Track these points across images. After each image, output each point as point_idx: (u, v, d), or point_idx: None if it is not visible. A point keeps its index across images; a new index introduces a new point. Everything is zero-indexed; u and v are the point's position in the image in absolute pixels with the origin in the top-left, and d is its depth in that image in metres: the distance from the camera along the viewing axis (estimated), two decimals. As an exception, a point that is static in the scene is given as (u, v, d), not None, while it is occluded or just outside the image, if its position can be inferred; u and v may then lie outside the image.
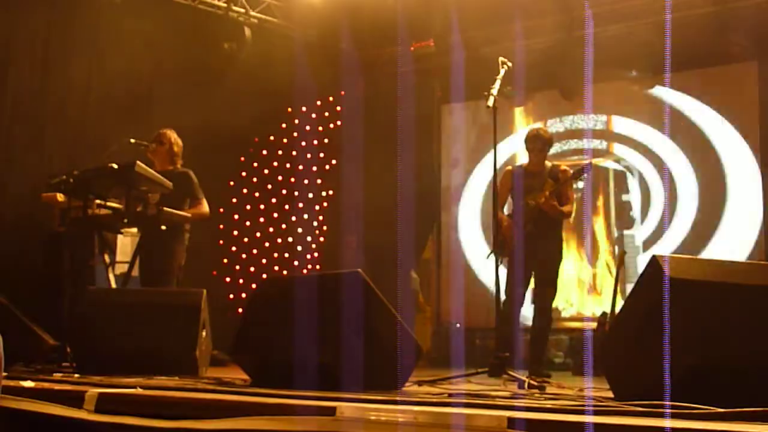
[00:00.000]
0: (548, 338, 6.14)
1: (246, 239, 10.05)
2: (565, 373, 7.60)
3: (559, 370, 7.77)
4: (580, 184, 8.88)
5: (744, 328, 2.99)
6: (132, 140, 5.76)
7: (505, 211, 6.20)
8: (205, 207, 5.96)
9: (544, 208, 5.82)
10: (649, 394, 2.79)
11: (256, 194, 10.14)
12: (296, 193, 10.31)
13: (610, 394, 3.42)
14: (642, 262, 8.84)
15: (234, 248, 9.95)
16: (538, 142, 6.05)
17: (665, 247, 8.87)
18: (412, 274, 9.89)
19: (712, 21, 8.31)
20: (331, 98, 10.54)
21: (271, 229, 10.22)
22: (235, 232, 9.97)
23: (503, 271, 5.54)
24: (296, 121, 10.26)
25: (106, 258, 5.55)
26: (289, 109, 10.26)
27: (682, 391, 2.74)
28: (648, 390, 2.84)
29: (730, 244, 8.57)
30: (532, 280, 5.93)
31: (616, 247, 9.19)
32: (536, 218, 5.84)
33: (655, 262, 3.15)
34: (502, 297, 5.38)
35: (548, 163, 6.17)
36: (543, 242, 5.85)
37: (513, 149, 9.56)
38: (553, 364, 7.90)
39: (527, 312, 6.07)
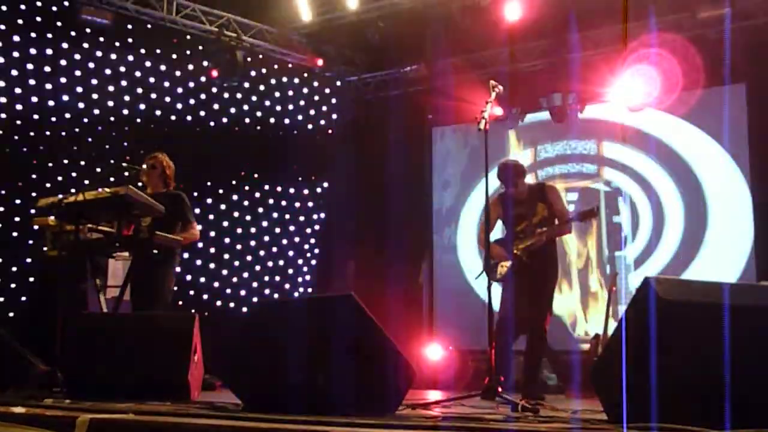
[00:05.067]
0: (542, 360, 6.09)
1: (237, 263, 10.03)
2: (558, 395, 7.57)
3: (552, 392, 7.73)
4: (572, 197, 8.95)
5: (735, 349, 3.00)
6: (124, 163, 5.77)
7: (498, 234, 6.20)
8: (196, 230, 5.99)
9: (538, 245, 5.77)
10: (642, 416, 2.79)
11: (247, 217, 10.15)
12: (287, 216, 10.33)
13: (604, 416, 3.41)
14: (633, 282, 8.86)
15: (225, 272, 9.94)
16: (507, 174, 5.90)
17: (654, 267, 8.89)
18: None
19: (700, 44, 8.40)
20: (322, 121, 10.58)
21: (262, 253, 10.22)
22: (227, 256, 9.96)
23: (496, 294, 5.52)
24: (287, 144, 10.30)
25: (98, 282, 5.53)
26: (281, 133, 10.30)
27: (674, 413, 2.74)
28: (641, 411, 2.84)
29: (714, 263, 8.62)
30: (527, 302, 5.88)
31: (608, 268, 9.20)
32: (530, 251, 5.79)
33: (646, 283, 3.16)
34: (495, 319, 5.34)
35: (529, 183, 6.09)
36: (536, 264, 5.82)
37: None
38: (546, 386, 7.87)
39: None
